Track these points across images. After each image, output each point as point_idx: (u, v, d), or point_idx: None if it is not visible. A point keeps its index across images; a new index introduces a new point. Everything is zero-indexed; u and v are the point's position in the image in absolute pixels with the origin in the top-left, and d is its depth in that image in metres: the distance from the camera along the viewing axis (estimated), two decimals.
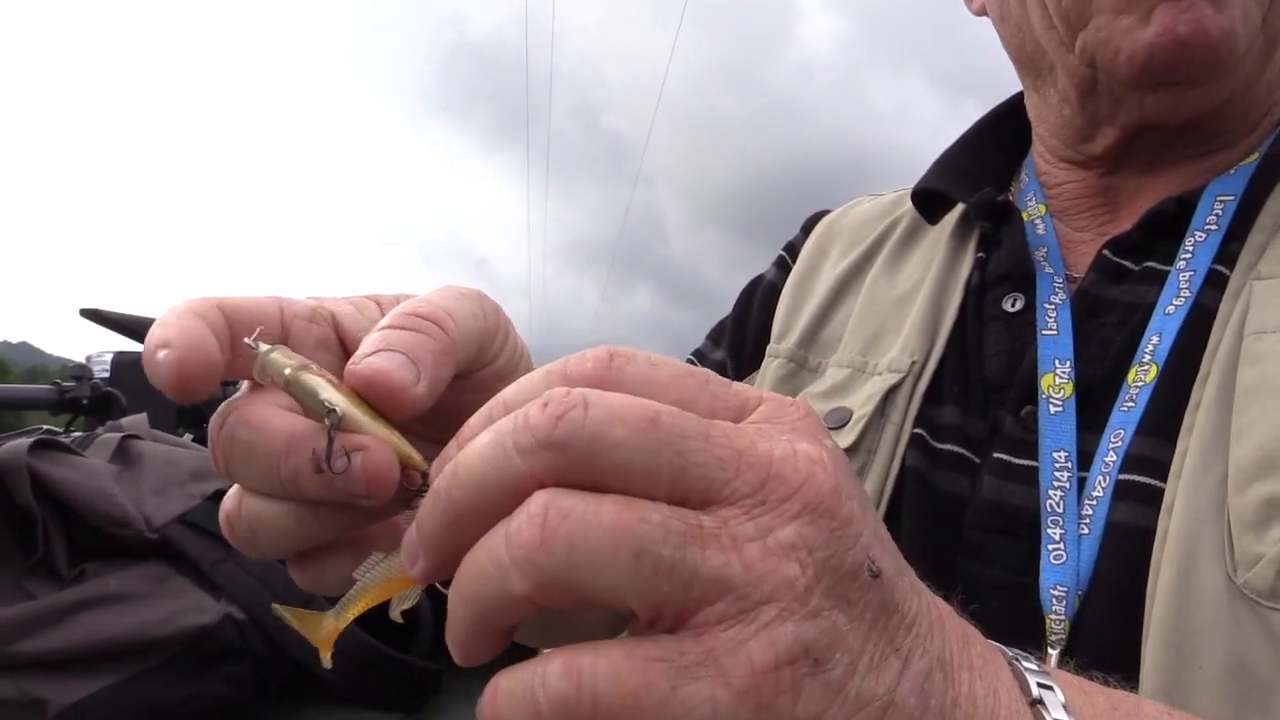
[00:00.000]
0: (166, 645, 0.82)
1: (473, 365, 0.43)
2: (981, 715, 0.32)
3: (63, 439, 0.91)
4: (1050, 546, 0.57)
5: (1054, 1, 0.64)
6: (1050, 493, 0.59)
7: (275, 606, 0.38)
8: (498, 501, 0.30)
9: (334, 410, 0.35)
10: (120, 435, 0.98)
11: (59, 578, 0.85)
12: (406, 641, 0.94)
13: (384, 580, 0.36)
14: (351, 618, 0.37)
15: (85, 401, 1.38)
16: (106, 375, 1.40)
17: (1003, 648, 0.37)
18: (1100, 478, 0.58)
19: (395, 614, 0.37)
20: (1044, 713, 0.34)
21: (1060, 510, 0.58)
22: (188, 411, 1.45)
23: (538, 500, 0.29)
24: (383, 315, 0.42)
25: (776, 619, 0.28)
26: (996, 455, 0.63)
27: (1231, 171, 0.65)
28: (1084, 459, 0.59)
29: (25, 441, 0.85)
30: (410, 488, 0.37)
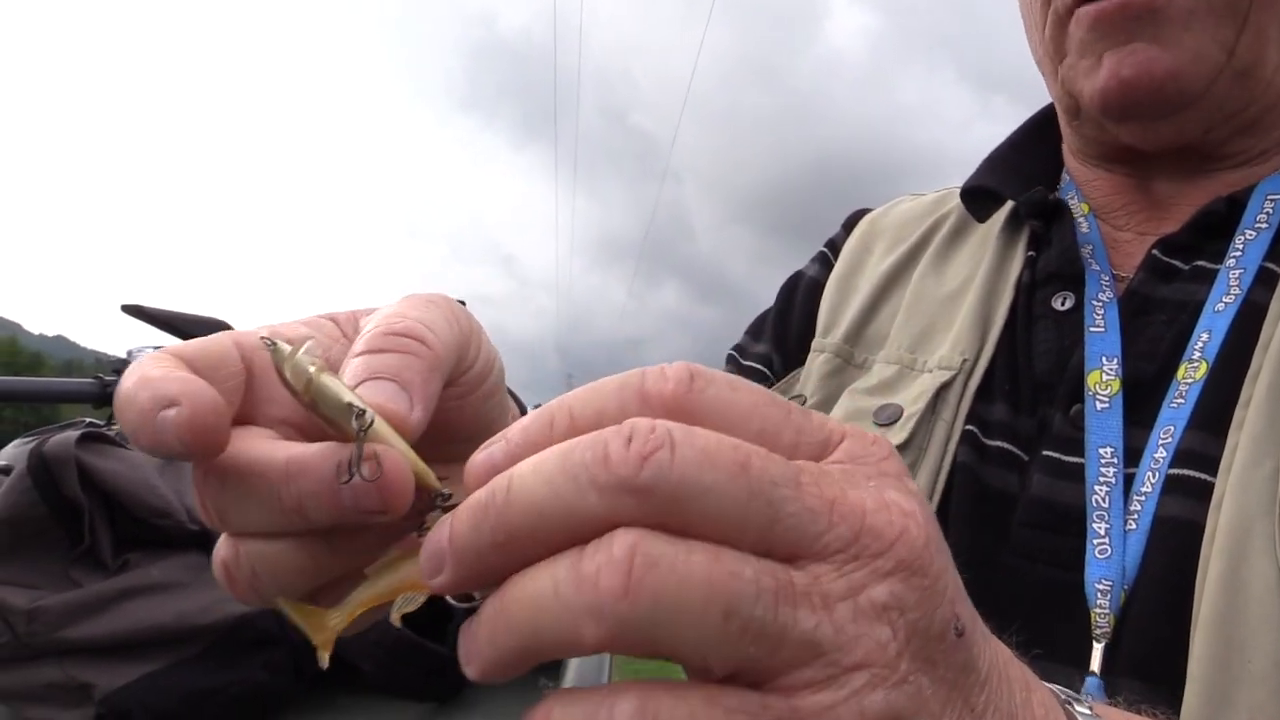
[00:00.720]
0: (207, 633, 0.85)
1: (453, 374, 0.40)
2: None
3: (108, 432, 0.94)
4: (1095, 541, 0.58)
5: (1042, 34, 0.69)
6: (1096, 488, 0.59)
7: (278, 600, 0.35)
8: (562, 534, 0.28)
9: (364, 412, 0.32)
10: None
11: (104, 567, 0.87)
12: (440, 632, 0.95)
13: (396, 581, 0.34)
14: (355, 616, 0.35)
15: None
16: None
17: (1056, 689, 0.37)
18: (1149, 473, 0.58)
19: (395, 617, 0.34)
20: None
21: (1105, 505, 0.58)
22: None
23: (623, 542, 0.26)
24: (341, 334, 0.40)
25: (867, 687, 0.27)
26: (1046, 453, 0.63)
27: None
28: (1132, 455, 0.60)
29: (73, 434, 0.87)
30: (424, 505, 0.35)
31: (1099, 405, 0.62)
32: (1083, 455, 0.61)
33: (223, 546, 0.36)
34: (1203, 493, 0.55)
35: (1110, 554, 0.57)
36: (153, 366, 0.33)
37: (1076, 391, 0.64)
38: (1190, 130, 0.66)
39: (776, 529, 0.28)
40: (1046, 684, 0.36)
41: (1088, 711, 0.37)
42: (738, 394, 0.30)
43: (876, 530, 0.28)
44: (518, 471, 0.29)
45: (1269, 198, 0.64)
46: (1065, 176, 0.78)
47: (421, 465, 0.34)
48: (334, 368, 0.35)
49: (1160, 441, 0.58)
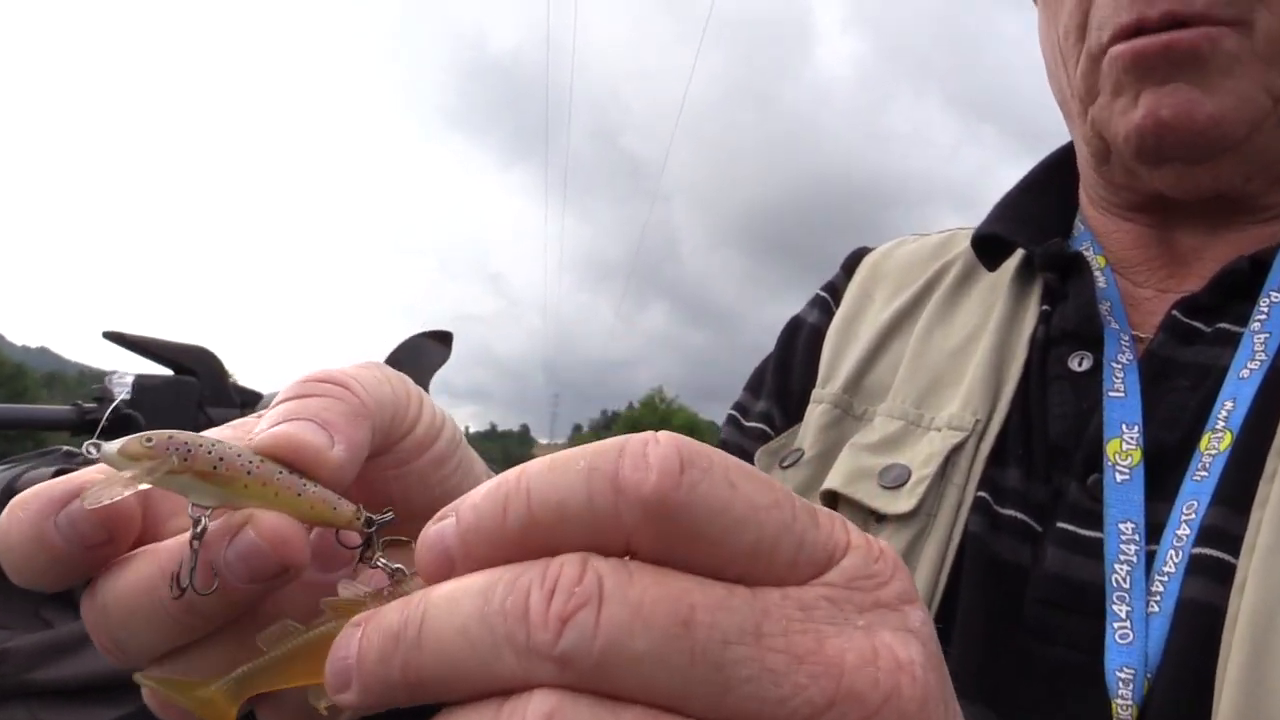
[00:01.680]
0: None
1: (389, 437, 0.37)
2: None
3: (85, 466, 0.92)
4: (1116, 625, 0.54)
5: (1071, 72, 0.65)
6: (1116, 566, 0.55)
7: (138, 677, 0.31)
8: (476, 686, 0.24)
9: (197, 519, 0.30)
10: None
11: (75, 607, 0.85)
12: None
13: (301, 660, 0.30)
14: (251, 694, 0.30)
15: (105, 423, 1.39)
16: (128, 396, 1.41)
17: None
18: (1172, 551, 0.54)
19: (320, 708, 0.30)
20: None
21: (1127, 586, 0.54)
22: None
23: (536, 709, 0.23)
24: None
25: None
26: (1060, 525, 0.59)
27: None
28: (1153, 532, 0.56)
29: (47, 470, 0.86)
30: (349, 546, 0.33)
31: (1119, 477, 0.58)
32: (1100, 529, 0.57)
33: (83, 598, 0.32)
34: (1225, 574, 0.51)
35: (1132, 640, 0.53)
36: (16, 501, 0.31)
37: (1094, 460, 0.60)
38: (1227, 178, 0.63)
39: (729, 697, 0.23)
40: None
41: None
42: (735, 493, 0.25)
43: (858, 693, 0.24)
44: (432, 604, 0.25)
45: None
46: (1079, 226, 0.75)
47: (323, 509, 0.32)
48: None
49: (1183, 517, 0.54)
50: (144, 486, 0.29)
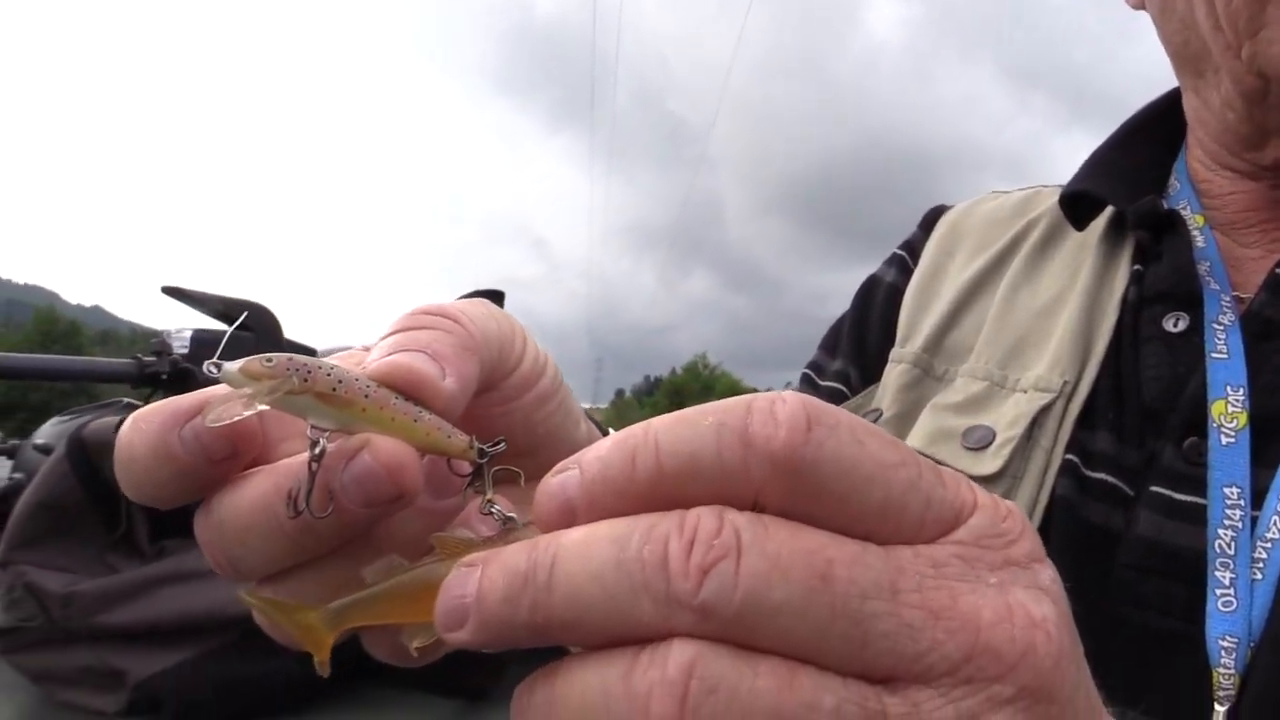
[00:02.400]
0: (242, 623, 0.84)
1: (495, 373, 0.37)
2: None
3: None
4: (1219, 591, 0.53)
5: (1224, 3, 0.59)
6: (1220, 532, 0.54)
7: (241, 594, 0.31)
8: (610, 632, 0.24)
9: (316, 440, 0.30)
10: None
11: (140, 553, 0.87)
12: None
13: (403, 597, 0.29)
14: (350, 626, 0.30)
15: (164, 376, 1.41)
16: (185, 351, 1.43)
17: None
18: (1276, 517, 0.53)
19: (412, 648, 0.29)
20: None
21: (1231, 552, 0.53)
22: None
23: (678, 659, 0.23)
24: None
25: None
26: (1154, 489, 0.58)
27: None
28: (1256, 496, 0.54)
29: (112, 419, 0.87)
30: (460, 474, 0.33)
31: (1224, 440, 0.56)
32: (1198, 493, 0.56)
33: (197, 513, 0.33)
34: None
35: (1236, 607, 0.52)
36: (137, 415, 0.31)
37: (1191, 423, 0.58)
38: None
39: (867, 651, 0.23)
40: None
41: None
42: (864, 449, 0.25)
43: (994, 648, 0.24)
44: (564, 548, 0.25)
45: None
46: (1176, 183, 0.71)
47: (438, 437, 0.31)
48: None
49: None
50: (262, 406, 0.29)
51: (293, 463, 0.31)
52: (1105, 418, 0.63)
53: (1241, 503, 0.54)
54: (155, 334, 1.50)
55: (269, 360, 0.29)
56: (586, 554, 0.25)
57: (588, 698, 0.24)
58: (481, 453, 0.33)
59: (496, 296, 1.58)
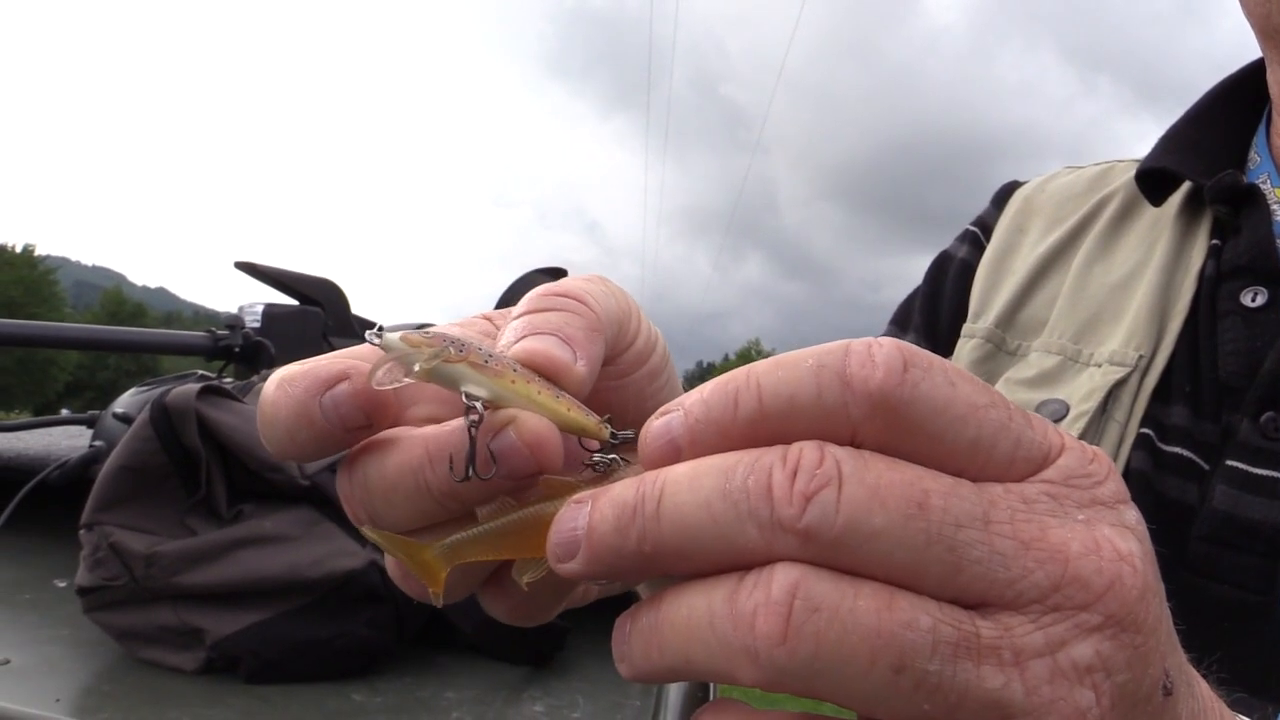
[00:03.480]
0: (316, 586, 0.86)
1: (614, 349, 0.38)
2: None
3: (225, 385, 0.96)
4: None
5: None
6: None
7: (366, 530, 0.33)
8: (717, 562, 0.26)
9: (474, 406, 0.31)
10: None
11: (219, 516, 0.89)
12: None
13: (515, 534, 0.32)
14: (464, 561, 0.33)
15: (237, 349, 1.44)
16: (257, 325, 1.47)
17: None
18: None
19: (523, 582, 0.32)
20: None
21: None
22: None
23: (782, 581, 0.24)
24: (494, 329, 0.38)
25: None
26: (1230, 463, 0.58)
27: None
28: None
29: (194, 387, 0.89)
30: (590, 452, 0.34)
31: None
32: (1275, 468, 0.56)
33: (339, 470, 0.35)
34: None
35: None
36: (284, 376, 0.33)
37: (1269, 398, 0.58)
38: None
39: (960, 577, 0.24)
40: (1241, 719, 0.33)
41: None
42: (956, 390, 0.26)
43: (1082, 579, 0.25)
44: (671, 480, 0.27)
45: None
46: (1256, 158, 0.71)
47: (578, 416, 0.33)
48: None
49: None
50: (418, 370, 0.31)
51: (438, 430, 0.32)
52: (1181, 392, 0.62)
53: None
54: (216, 315, 1.53)
55: (426, 332, 0.31)
56: (694, 484, 0.26)
57: (693, 620, 0.25)
58: (614, 435, 0.34)
59: (557, 273, 1.60)
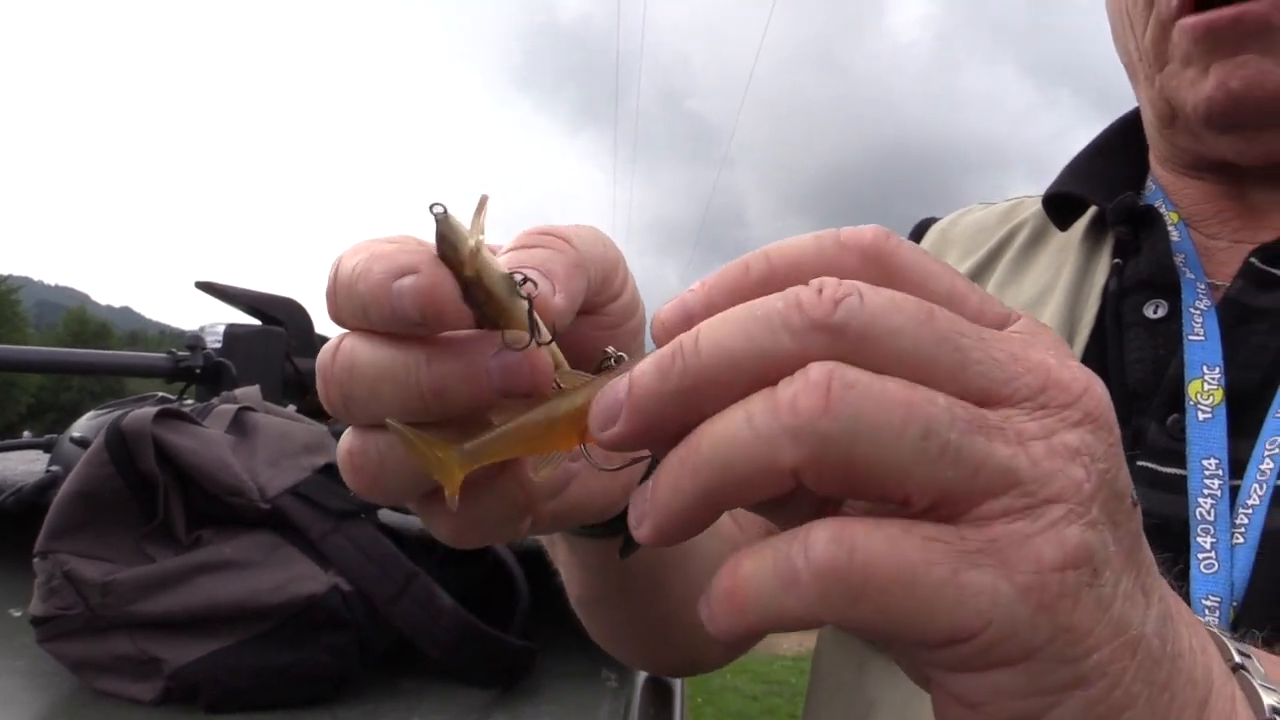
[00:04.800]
0: (277, 612, 0.85)
1: (599, 296, 0.41)
2: (1200, 671, 0.32)
3: (183, 408, 0.95)
4: (1201, 555, 0.56)
5: (1139, 37, 0.68)
6: (1200, 500, 0.58)
7: (390, 421, 0.34)
8: (754, 377, 0.28)
9: (528, 279, 0.34)
10: (236, 406, 1.01)
11: (177, 542, 0.88)
12: (505, 620, 0.95)
13: (529, 429, 0.33)
14: (482, 464, 0.34)
15: (198, 371, 1.42)
16: (219, 346, 1.45)
17: (1206, 624, 0.37)
18: (1256, 485, 0.57)
19: (539, 476, 0.34)
20: (1248, 678, 0.34)
21: (1211, 518, 0.57)
22: (292, 384, 1.49)
23: (819, 368, 0.27)
24: None
25: (1064, 519, 0.27)
26: (1141, 463, 0.62)
27: None
28: (1236, 467, 0.58)
29: (150, 410, 0.88)
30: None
31: (1201, 415, 0.60)
32: (1181, 466, 0.60)
33: (350, 436, 0.36)
34: None
35: (1217, 569, 0.55)
36: (373, 246, 0.35)
37: (1174, 401, 0.62)
38: None
39: (965, 374, 0.28)
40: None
41: (1217, 628, 0.37)
42: (927, 257, 0.31)
43: (1063, 383, 0.29)
44: (706, 324, 0.29)
45: None
46: (1151, 184, 0.77)
47: (559, 356, 0.35)
48: None
49: (1267, 452, 0.57)
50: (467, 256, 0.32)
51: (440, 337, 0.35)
52: None
53: (1220, 473, 0.58)
54: (181, 334, 1.52)
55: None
56: (727, 319, 0.29)
57: (730, 426, 0.28)
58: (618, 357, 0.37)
59: None
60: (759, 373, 0.28)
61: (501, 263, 0.35)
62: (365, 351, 0.34)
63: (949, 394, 0.28)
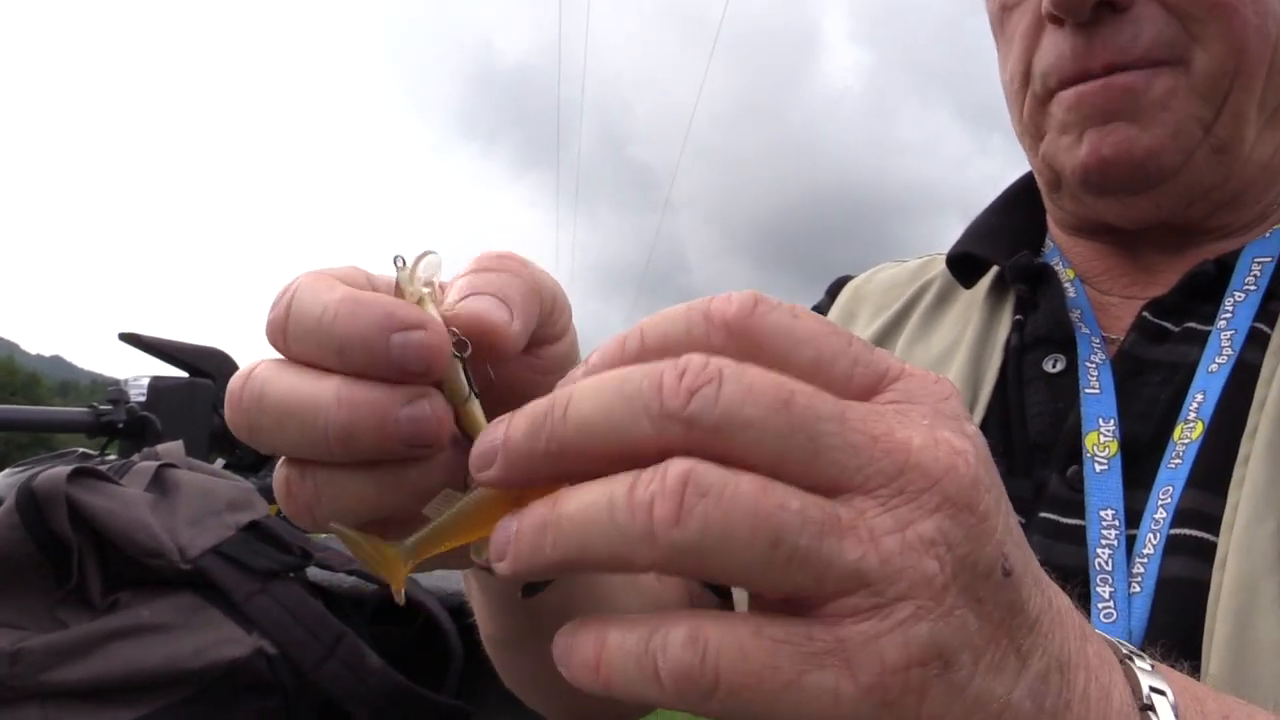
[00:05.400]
0: (198, 677, 0.82)
1: (542, 334, 0.43)
2: (1094, 718, 0.33)
3: (100, 467, 0.92)
4: (1100, 605, 0.57)
5: (1019, 110, 0.72)
6: (1098, 550, 0.59)
7: (335, 525, 0.36)
8: (613, 454, 0.30)
9: (464, 342, 0.36)
10: (157, 464, 0.98)
11: (92, 607, 0.85)
12: (437, 680, 0.93)
13: (463, 520, 0.35)
14: (424, 558, 0.36)
15: (121, 425, 1.38)
16: (143, 399, 1.41)
17: (1117, 643, 0.38)
18: (1150, 534, 0.58)
19: (481, 561, 0.34)
20: (1153, 718, 0.35)
21: (1109, 568, 0.58)
22: (220, 438, 1.46)
23: (676, 471, 0.28)
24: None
25: (912, 617, 0.28)
26: (1043, 515, 0.63)
27: (1267, 235, 0.68)
28: (1132, 517, 0.60)
29: (64, 470, 0.85)
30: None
31: (1098, 467, 0.62)
32: (1081, 517, 0.61)
33: (284, 466, 0.37)
34: (1205, 552, 0.55)
35: (1116, 618, 0.56)
36: (339, 287, 0.36)
37: (1072, 453, 0.64)
38: (1168, 205, 0.68)
39: (818, 463, 0.29)
40: (1106, 637, 0.37)
41: (1148, 667, 0.37)
42: (798, 321, 0.32)
43: (922, 466, 0.29)
44: (578, 389, 0.31)
45: (1256, 260, 0.66)
46: (1049, 243, 0.80)
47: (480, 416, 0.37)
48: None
49: (1160, 502, 0.59)
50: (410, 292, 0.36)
51: (358, 383, 0.36)
52: (996, 452, 0.67)
53: (1116, 524, 0.60)
54: (115, 383, 1.48)
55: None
56: (596, 388, 0.31)
57: (592, 511, 0.29)
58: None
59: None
60: (621, 449, 0.30)
61: (452, 294, 0.38)
62: (276, 384, 0.36)
63: (802, 486, 0.29)
